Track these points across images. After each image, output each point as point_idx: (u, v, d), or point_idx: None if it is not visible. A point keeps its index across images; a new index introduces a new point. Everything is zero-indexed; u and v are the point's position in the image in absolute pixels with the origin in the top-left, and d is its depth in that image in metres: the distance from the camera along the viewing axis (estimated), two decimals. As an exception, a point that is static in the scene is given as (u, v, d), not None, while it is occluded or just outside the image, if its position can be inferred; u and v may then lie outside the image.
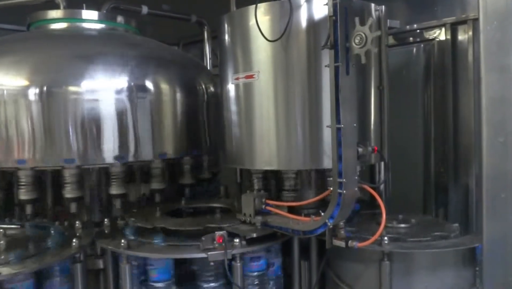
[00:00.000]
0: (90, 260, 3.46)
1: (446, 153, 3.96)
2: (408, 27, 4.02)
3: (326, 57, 2.63)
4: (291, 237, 3.01)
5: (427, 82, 4.08)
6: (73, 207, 3.42)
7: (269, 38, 2.95)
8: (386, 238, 2.67)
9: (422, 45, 4.02)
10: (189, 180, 3.98)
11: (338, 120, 2.52)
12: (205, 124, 3.98)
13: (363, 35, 2.40)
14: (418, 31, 3.99)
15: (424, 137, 4.18)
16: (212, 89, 4.05)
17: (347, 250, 2.89)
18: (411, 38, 4.08)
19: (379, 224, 3.05)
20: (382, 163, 3.67)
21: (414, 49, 4.10)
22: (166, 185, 3.82)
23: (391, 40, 4.12)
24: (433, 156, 4.09)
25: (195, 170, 4.06)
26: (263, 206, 2.95)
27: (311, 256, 3.16)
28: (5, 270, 2.46)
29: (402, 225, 3.06)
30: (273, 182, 3.34)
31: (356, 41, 2.44)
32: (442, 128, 3.97)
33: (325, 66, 2.61)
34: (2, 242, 2.81)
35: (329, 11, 2.52)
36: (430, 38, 3.93)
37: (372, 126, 3.24)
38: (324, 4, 2.57)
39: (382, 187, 3.86)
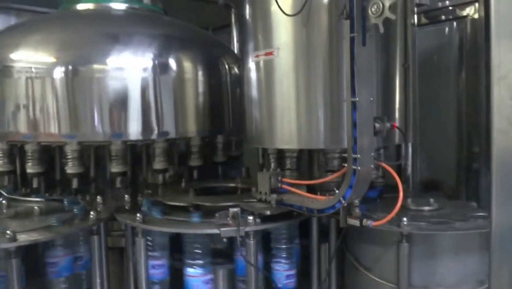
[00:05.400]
0: (114, 238, 3.55)
1: (479, 138, 3.79)
2: (440, 4, 3.84)
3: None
4: (308, 217, 2.95)
5: (460, 63, 3.90)
6: (117, 182, 3.49)
7: (290, 14, 2.88)
8: (405, 219, 2.56)
9: (455, 24, 3.84)
10: (221, 158, 3.97)
11: (353, 94, 2.43)
12: (228, 104, 3.96)
13: (380, 3, 2.30)
14: (450, 8, 3.81)
15: (457, 121, 4.01)
16: (236, 70, 4.02)
17: (366, 232, 2.81)
18: (443, 16, 3.90)
19: (403, 206, 2.96)
20: (410, 145, 3.54)
21: (447, 28, 3.92)
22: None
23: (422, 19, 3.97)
24: (466, 141, 3.92)
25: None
26: (279, 185, 2.89)
27: (330, 237, 3.09)
28: (23, 237, 2.52)
29: (426, 208, 2.93)
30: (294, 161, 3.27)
31: (373, 10, 2.34)
32: (474, 112, 3.79)
33: (343, 38, 2.52)
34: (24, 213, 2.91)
35: (345, -20, 2.43)
36: (464, 15, 3.75)
37: (397, 105, 3.13)
38: (341, -27, 2.49)
39: (409, 171, 3.74)
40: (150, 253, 2.92)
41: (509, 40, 1.34)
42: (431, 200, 3.00)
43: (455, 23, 3.84)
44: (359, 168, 2.43)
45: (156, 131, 3.50)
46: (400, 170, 3.56)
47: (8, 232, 2.44)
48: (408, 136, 3.13)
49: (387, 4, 2.29)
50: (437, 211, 2.90)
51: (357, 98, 2.42)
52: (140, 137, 3.48)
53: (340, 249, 3.10)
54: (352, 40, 2.42)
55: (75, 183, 3.43)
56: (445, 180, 4.14)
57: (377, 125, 2.52)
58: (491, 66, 1.36)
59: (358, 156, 2.43)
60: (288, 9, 2.90)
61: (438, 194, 3.71)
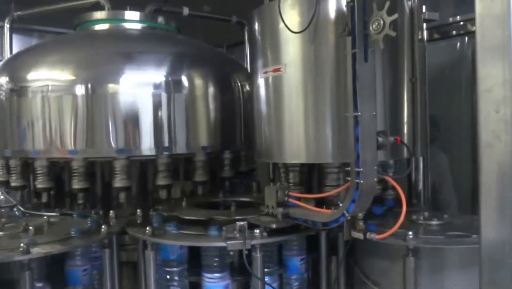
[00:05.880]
0: (129, 252, 3.60)
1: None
2: (451, 19, 3.85)
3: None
4: (316, 231, 2.97)
5: (473, 77, 3.88)
6: (122, 197, 3.56)
7: (296, 31, 2.94)
8: (410, 232, 2.56)
9: (466, 38, 3.84)
10: (228, 173, 4.02)
11: (355, 108, 2.47)
12: (240, 121, 4.03)
13: (381, 20, 2.34)
14: (461, 23, 3.82)
15: (471, 136, 3.99)
16: (248, 88, 4.09)
17: (373, 246, 2.81)
18: (454, 32, 3.91)
19: (410, 220, 2.96)
20: (421, 159, 3.54)
21: (458, 43, 3.93)
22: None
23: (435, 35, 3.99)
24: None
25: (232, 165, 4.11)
26: (286, 198, 2.93)
27: (338, 251, 3.09)
28: (35, 250, 2.61)
29: (434, 222, 2.92)
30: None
31: (374, 26, 2.38)
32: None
33: (344, 53, 2.57)
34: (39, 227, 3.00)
35: (347, -3, 2.49)
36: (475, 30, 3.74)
37: (405, 119, 3.15)
38: (343, -9, 2.54)
39: (421, 186, 3.72)
40: (211, 275, 2.90)
41: (495, 53, 1.36)
42: (441, 214, 3.00)
43: (466, 38, 3.84)
44: (362, 181, 2.45)
45: (168, 147, 3.58)
46: (410, 184, 3.55)
47: (21, 245, 2.52)
48: (416, 151, 3.12)
49: (387, 21, 2.33)
50: (445, 225, 2.89)
51: (359, 113, 2.45)
52: (152, 153, 3.56)
53: (349, 263, 3.10)
54: (353, 56, 2.46)
55: (81, 198, 3.52)
56: (460, 196, 4.11)
57: (380, 139, 2.54)
58: (477, 79, 1.38)
59: (361, 169, 2.45)
60: (296, 26, 2.96)
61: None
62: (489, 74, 1.35)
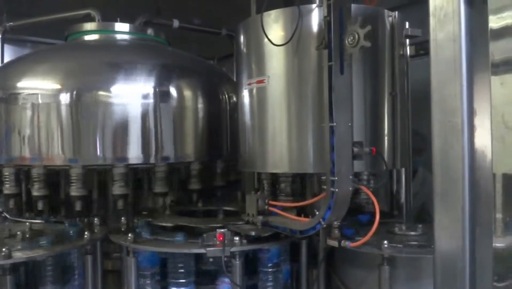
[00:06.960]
0: (114, 261, 3.64)
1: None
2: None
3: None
4: (297, 240, 3.01)
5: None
6: (120, 204, 3.59)
7: (278, 44, 3.01)
8: (385, 241, 2.61)
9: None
10: (218, 182, 4.13)
11: (331, 119, 2.53)
12: (227, 131, 4.09)
13: (355, 33, 2.42)
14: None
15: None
16: (235, 99, 4.16)
17: (351, 255, 2.86)
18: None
19: (389, 231, 3.01)
20: (403, 171, 3.58)
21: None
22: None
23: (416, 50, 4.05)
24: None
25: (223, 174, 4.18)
26: (266, 207, 2.98)
27: (318, 260, 3.13)
28: (18, 255, 2.65)
29: (412, 233, 2.96)
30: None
31: (349, 40, 2.46)
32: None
33: (322, 65, 2.64)
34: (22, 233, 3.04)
35: (324, 12, 2.57)
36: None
37: (385, 131, 3.20)
38: (319, 6, 2.62)
39: (403, 198, 3.76)
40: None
41: (447, 65, 1.43)
42: (418, 226, 3.04)
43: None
44: (336, 190, 2.50)
45: (155, 156, 3.63)
46: (392, 196, 3.60)
47: (3, 249, 2.56)
48: (396, 162, 3.17)
49: (361, 34, 2.40)
50: (422, 235, 2.93)
51: (335, 123, 2.51)
52: (140, 162, 3.61)
53: (329, 272, 3.14)
54: (330, 68, 2.53)
55: (78, 205, 3.55)
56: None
57: (355, 149, 2.60)
58: (431, 90, 1.45)
59: (336, 178, 2.50)
60: (279, 39, 3.03)
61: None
62: (442, 86, 1.42)
